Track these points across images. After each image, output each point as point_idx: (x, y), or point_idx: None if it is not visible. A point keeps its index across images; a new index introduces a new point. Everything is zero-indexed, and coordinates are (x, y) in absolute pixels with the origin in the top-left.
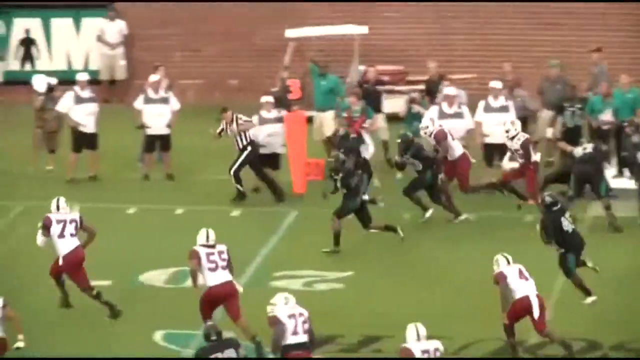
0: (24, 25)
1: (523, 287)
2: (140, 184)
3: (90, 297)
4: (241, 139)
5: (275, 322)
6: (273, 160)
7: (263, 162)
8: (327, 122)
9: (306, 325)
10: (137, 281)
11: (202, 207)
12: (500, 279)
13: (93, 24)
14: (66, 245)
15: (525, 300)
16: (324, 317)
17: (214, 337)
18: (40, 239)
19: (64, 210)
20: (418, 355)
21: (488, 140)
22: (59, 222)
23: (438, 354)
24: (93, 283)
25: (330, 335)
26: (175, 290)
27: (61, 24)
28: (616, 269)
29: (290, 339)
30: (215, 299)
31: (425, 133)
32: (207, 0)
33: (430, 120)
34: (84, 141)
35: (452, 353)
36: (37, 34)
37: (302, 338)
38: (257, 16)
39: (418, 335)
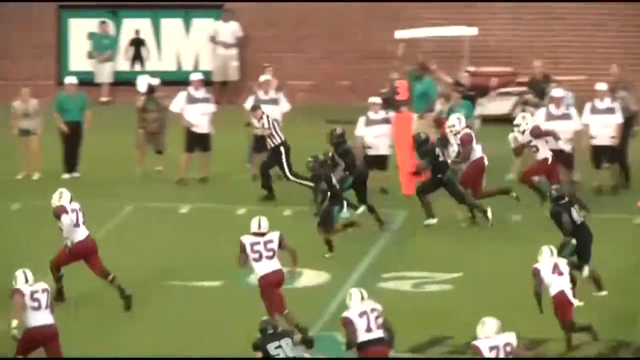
0: (133, 25)
1: (557, 282)
2: (250, 184)
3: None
4: (273, 137)
5: (346, 323)
6: (380, 161)
7: (370, 163)
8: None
9: (379, 320)
10: (246, 282)
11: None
12: (534, 274)
13: (203, 24)
14: (80, 233)
15: (561, 294)
16: (433, 318)
17: (270, 331)
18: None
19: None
20: (486, 352)
21: (595, 142)
22: (72, 210)
23: (508, 349)
24: (203, 284)
25: (439, 336)
26: (284, 291)
27: (171, 25)
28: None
29: (365, 336)
30: (267, 288)
31: (451, 131)
32: (318, 1)
33: (457, 120)
34: (196, 142)
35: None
36: (147, 35)
37: (378, 334)
38: (367, 17)
39: (487, 330)
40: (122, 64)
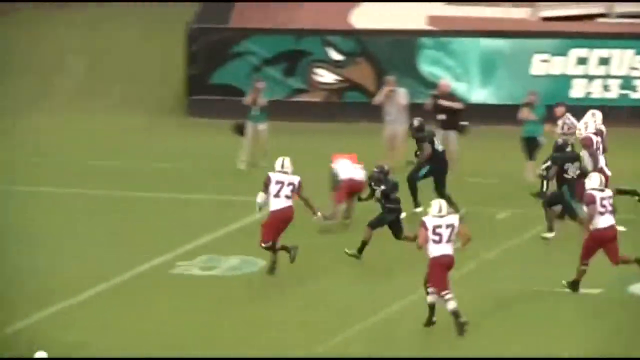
0: None
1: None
2: None
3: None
4: None
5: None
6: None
7: None
8: None
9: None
10: (627, 291)
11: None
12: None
13: None
14: (278, 203)
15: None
16: None
17: None
18: (259, 198)
19: (287, 170)
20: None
21: None
22: (278, 182)
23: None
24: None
25: None
26: None
27: None
28: None
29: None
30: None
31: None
32: None
33: (584, 124)
34: None
35: None
36: None
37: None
38: None
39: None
40: None
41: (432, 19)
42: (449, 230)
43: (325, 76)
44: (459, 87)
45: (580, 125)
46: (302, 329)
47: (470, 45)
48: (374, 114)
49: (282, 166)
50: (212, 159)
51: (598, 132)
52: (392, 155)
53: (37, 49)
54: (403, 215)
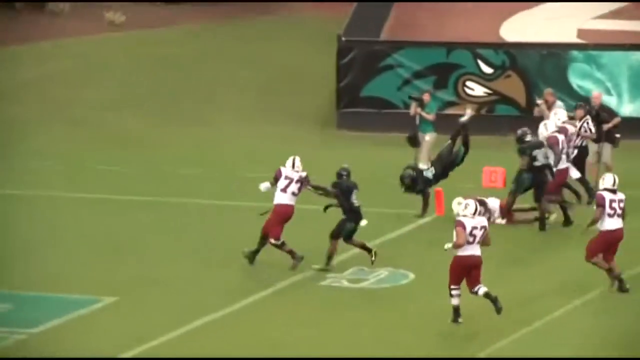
0: None
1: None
2: None
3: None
4: None
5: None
6: None
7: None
8: None
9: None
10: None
11: None
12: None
13: None
14: (282, 198)
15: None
16: None
17: None
18: (264, 185)
19: (298, 168)
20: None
21: None
22: (287, 178)
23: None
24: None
25: None
26: None
27: None
28: None
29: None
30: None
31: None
32: None
33: (544, 125)
34: None
35: None
36: None
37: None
38: None
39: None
40: None
41: (582, 33)
42: (482, 231)
43: (475, 89)
44: (609, 101)
45: (540, 126)
46: (449, 338)
47: (620, 58)
48: (525, 127)
49: (293, 166)
50: (362, 171)
51: (562, 130)
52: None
53: (204, 62)
54: (364, 222)
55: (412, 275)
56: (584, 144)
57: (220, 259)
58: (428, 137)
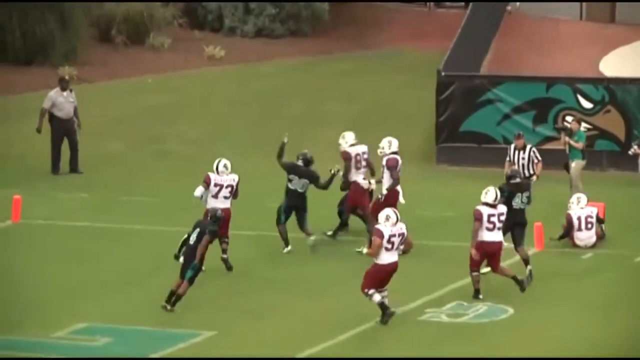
0: None
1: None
2: None
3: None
4: None
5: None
6: None
7: None
8: None
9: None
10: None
11: None
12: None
13: None
14: (216, 204)
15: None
16: None
17: None
18: (198, 191)
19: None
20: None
21: None
22: (216, 185)
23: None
24: None
25: None
26: None
27: None
28: None
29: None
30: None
31: (380, 153)
32: None
33: (388, 142)
34: None
35: None
36: None
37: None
38: None
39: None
40: None
41: None
42: (400, 238)
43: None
44: None
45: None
46: None
47: None
48: (624, 162)
49: (225, 167)
50: (462, 206)
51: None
52: None
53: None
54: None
55: (510, 310)
56: None
57: (314, 290)
58: (574, 164)
